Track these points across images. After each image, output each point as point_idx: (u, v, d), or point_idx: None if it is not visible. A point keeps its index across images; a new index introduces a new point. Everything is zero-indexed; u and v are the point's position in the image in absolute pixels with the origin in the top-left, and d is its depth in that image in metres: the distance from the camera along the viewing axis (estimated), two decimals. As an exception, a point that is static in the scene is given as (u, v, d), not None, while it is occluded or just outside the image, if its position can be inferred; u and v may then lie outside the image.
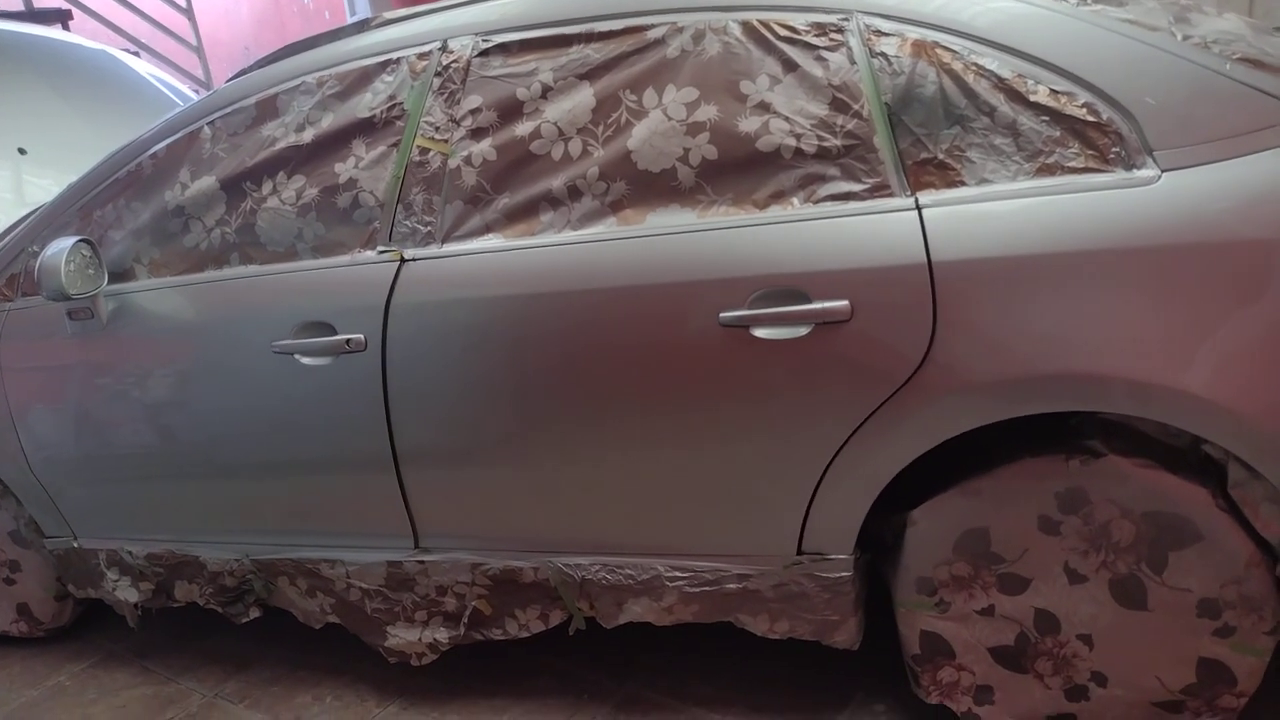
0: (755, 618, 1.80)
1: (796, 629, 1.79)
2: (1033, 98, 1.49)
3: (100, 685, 2.41)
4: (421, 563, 1.98)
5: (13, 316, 2.26)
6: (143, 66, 4.43)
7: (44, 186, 3.51)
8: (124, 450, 2.17)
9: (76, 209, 2.23)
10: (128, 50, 5.45)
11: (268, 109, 2.05)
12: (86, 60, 4.15)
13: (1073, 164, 1.47)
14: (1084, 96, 1.47)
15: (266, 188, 2.00)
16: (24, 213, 2.87)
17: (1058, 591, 1.61)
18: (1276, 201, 1.37)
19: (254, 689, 2.31)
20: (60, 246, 2.01)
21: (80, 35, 4.77)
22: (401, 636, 2.06)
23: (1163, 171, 1.42)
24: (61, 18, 6.60)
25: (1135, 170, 1.44)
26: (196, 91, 5.19)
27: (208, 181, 2.06)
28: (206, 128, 2.10)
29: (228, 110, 2.09)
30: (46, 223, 2.28)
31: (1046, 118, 1.49)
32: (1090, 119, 1.46)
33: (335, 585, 2.09)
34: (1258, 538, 1.50)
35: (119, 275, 2.15)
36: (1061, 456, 1.53)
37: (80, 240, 2.05)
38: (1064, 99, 1.48)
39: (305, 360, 1.90)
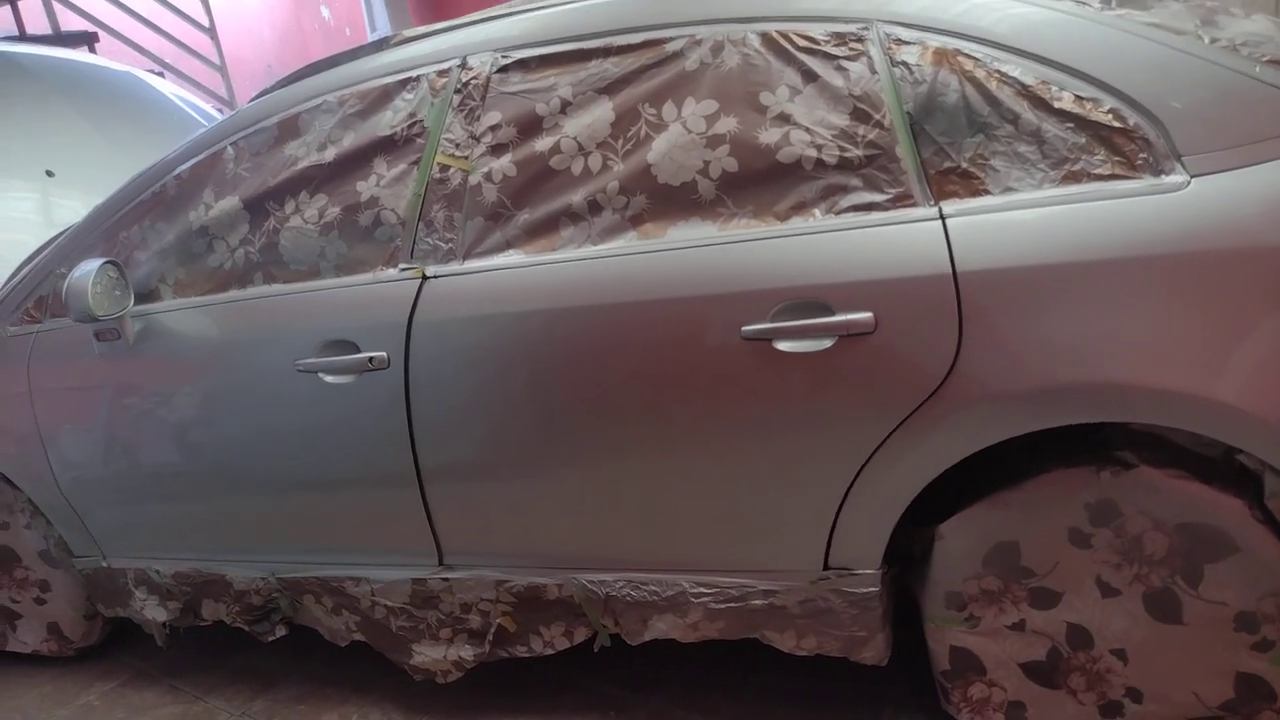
0: (782, 634, 1.79)
1: (824, 645, 1.76)
2: (1057, 104, 1.47)
3: (129, 704, 2.43)
4: (446, 580, 1.98)
5: (41, 338, 2.29)
6: (167, 87, 4.49)
7: (71, 208, 3.56)
8: (151, 470, 2.19)
9: (103, 231, 2.26)
10: (152, 71, 5.53)
11: (289, 128, 2.06)
12: (112, 82, 4.21)
13: (1099, 171, 1.44)
14: (1110, 102, 1.45)
15: (289, 207, 2.01)
16: (51, 234, 2.91)
17: (1090, 605, 1.58)
18: (1309, 206, 1.35)
19: (281, 707, 2.31)
20: (87, 268, 2.03)
21: (105, 57, 4.84)
22: (427, 654, 2.06)
23: (1192, 177, 1.40)
24: (88, 40, 6.71)
25: (1163, 176, 1.41)
26: (220, 111, 5.25)
27: (231, 202, 2.08)
28: (229, 148, 2.12)
29: (250, 130, 2.11)
30: (73, 245, 2.31)
31: (1071, 124, 1.47)
32: (1116, 125, 1.44)
33: (360, 603, 2.09)
34: (1296, 549, 1.47)
35: (145, 296, 2.17)
36: (1092, 468, 1.51)
37: (107, 262, 2.07)
38: (1089, 105, 1.46)
39: (329, 379, 1.91)
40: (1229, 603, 1.50)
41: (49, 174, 3.68)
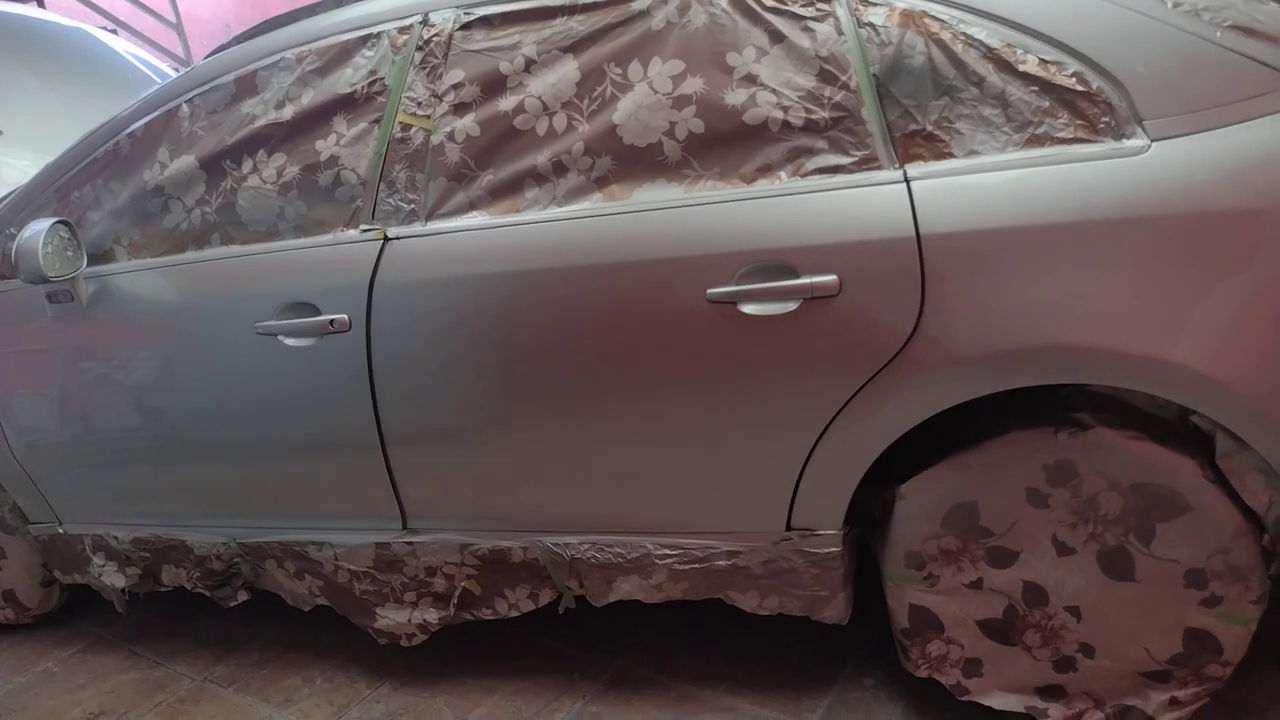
0: (745, 594, 1.80)
1: (786, 605, 1.79)
2: (1022, 67, 1.48)
3: (88, 670, 2.40)
4: (410, 544, 1.97)
5: (-9, 300, 2.23)
6: (120, 44, 4.36)
7: (20, 168, 3.46)
8: (107, 435, 2.15)
9: (54, 190, 2.20)
10: (105, 28, 5.37)
11: (247, 86, 2.01)
12: (63, 38, 4.08)
13: (1062, 134, 1.45)
14: (1073, 66, 1.46)
15: (247, 166, 1.97)
16: (0, 194, 2.83)
17: (1046, 564, 1.61)
18: (1267, 170, 1.36)
19: (243, 672, 2.30)
20: (37, 228, 1.98)
21: (56, 13, 4.69)
22: (391, 618, 2.06)
23: (1152, 141, 1.41)
24: (36, -4, 6.50)
25: (1125, 140, 1.42)
26: (176, 69, 5.12)
27: (187, 160, 2.03)
28: (185, 106, 2.07)
29: (206, 88, 2.06)
30: (23, 204, 2.24)
31: (1035, 88, 1.47)
32: (1079, 88, 1.45)
33: (323, 567, 2.08)
34: (1245, 508, 1.50)
35: (98, 257, 2.12)
36: (1050, 429, 1.53)
37: (58, 221, 2.01)
38: (1053, 68, 1.46)
39: (289, 341, 1.88)
40: (1180, 560, 1.53)
41: (-3, 132, 3.57)
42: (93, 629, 2.60)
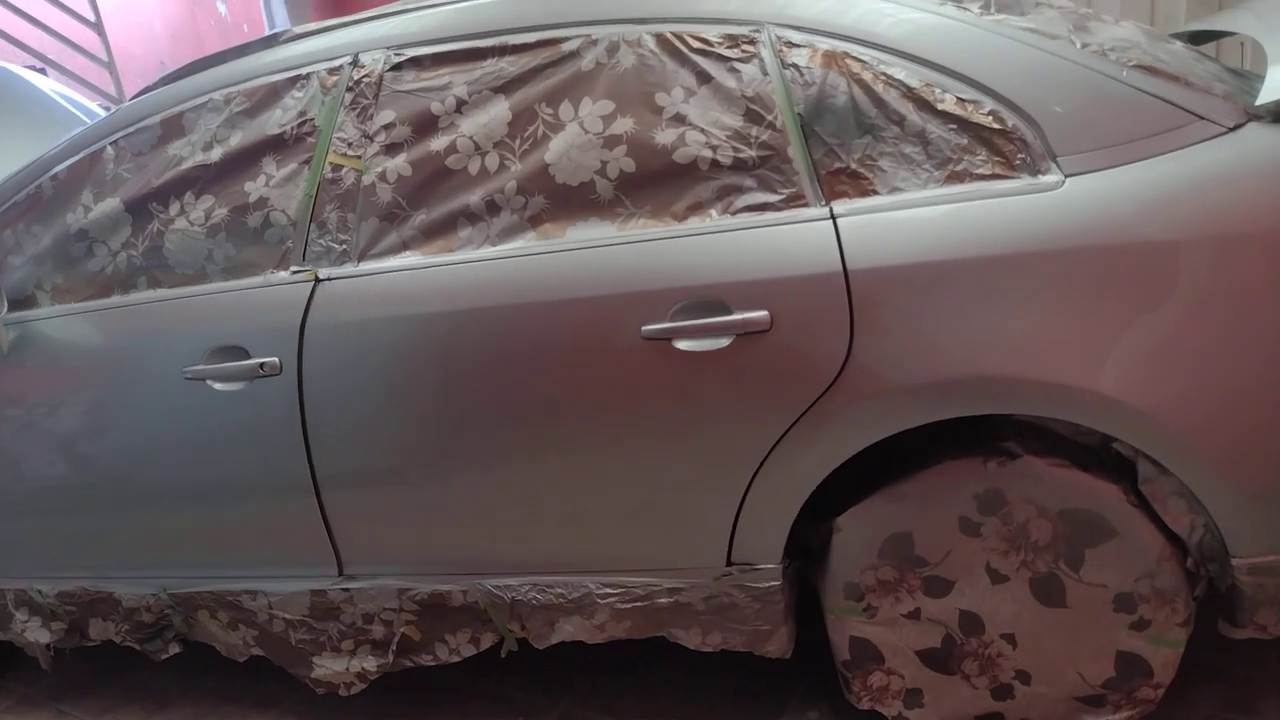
0: (688, 631, 1.79)
1: (729, 640, 1.78)
2: (940, 106, 1.52)
3: (12, 731, 2.31)
4: (346, 590, 1.93)
5: (-94, 348, 2.15)
6: (47, 84, 4.28)
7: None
8: (31, 485, 2.08)
9: (-28, 234, 2.14)
10: (33, 67, 5.27)
11: (174, 127, 1.98)
12: (-17, 78, 3.99)
13: (980, 171, 1.49)
14: (989, 104, 1.50)
15: (174, 209, 1.94)
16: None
17: (981, 592, 1.63)
18: (1174, 203, 1.42)
19: (176, 727, 2.23)
20: (-46, 274, 1.92)
21: (-20, 52, 4.59)
22: (328, 667, 2.01)
23: (1066, 176, 1.45)
24: (-39, 34, 6.35)
25: (1040, 176, 1.47)
26: (107, 108, 5.03)
27: (112, 203, 1.99)
28: (109, 147, 2.03)
29: (131, 129, 2.02)
30: (-60, 249, 2.18)
31: (954, 126, 1.51)
32: (996, 126, 1.49)
33: (257, 617, 2.02)
34: (1168, 532, 1.54)
35: (19, 303, 2.06)
36: (979, 459, 1.56)
37: (-24, 267, 1.96)
38: (970, 107, 1.51)
39: (218, 386, 1.84)
40: (1109, 585, 1.57)
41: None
42: (17, 688, 2.50)
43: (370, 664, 1.98)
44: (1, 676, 2.55)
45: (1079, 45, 1.52)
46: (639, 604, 1.78)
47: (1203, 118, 1.45)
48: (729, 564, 1.71)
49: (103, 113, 4.10)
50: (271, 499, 1.89)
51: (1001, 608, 1.63)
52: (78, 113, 4.07)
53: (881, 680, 1.73)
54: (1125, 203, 1.43)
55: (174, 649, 2.17)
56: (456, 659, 1.95)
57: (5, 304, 2.03)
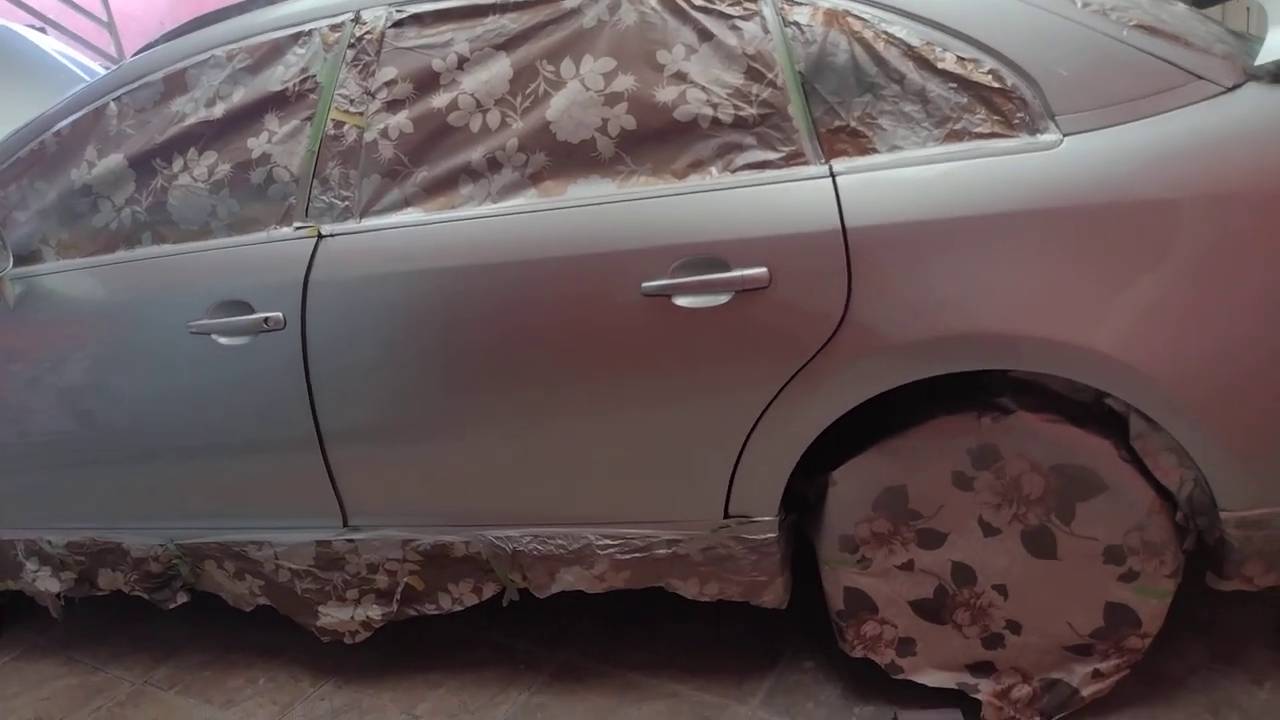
0: (685, 581, 1.83)
1: (726, 591, 1.82)
2: (940, 65, 1.52)
3: (23, 678, 2.36)
4: (351, 541, 1.97)
5: (-86, 303, 2.18)
6: (49, 43, 4.26)
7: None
8: (40, 437, 2.11)
9: (-23, 190, 2.15)
10: (33, 26, 5.23)
11: (176, 84, 1.99)
12: (-14, 36, 3.97)
13: (979, 129, 1.50)
14: (989, 63, 1.51)
15: (177, 165, 1.95)
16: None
17: (973, 544, 1.66)
18: (1172, 163, 1.43)
19: (185, 674, 2.28)
20: (-40, 229, 1.94)
21: (-21, 9, 4.56)
22: (333, 615, 2.05)
23: (1064, 136, 1.46)
24: (-40, -8, 6.30)
25: (1039, 135, 1.48)
26: (107, 68, 5.00)
27: (115, 159, 2.00)
28: (113, 104, 2.04)
29: (134, 85, 2.03)
30: (-54, 205, 2.19)
31: (954, 84, 1.52)
32: (995, 85, 1.50)
33: (264, 567, 2.07)
34: (1158, 486, 1.57)
35: (25, 258, 2.08)
36: (974, 414, 1.58)
37: (-18, 222, 1.98)
38: (970, 66, 1.51)
39: (223, 340, 1.86)
40: (1099, 538, 1.60)
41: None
42: (28, 636, 2.55)
43: (375, 613, 2.02)
44: (13, 625, 2.60)
45: (1079, 4, 1.53)
46: (638, 555, 1.81)
47: (1201, 77, 1.46)
48: (726, 516, 1.74)
49: (103, 72, 4.08)
50: (276, 451, 1.92)
51: (993, 559, 1.66)
52: (79, 71, 4.05)
53: (875, 630, 1.77)
54: (1122, 162, 1.44)
55: (182, 598, 2.22)
56: (459, 608, 1.99)
57: (11, 259, 2.04)
